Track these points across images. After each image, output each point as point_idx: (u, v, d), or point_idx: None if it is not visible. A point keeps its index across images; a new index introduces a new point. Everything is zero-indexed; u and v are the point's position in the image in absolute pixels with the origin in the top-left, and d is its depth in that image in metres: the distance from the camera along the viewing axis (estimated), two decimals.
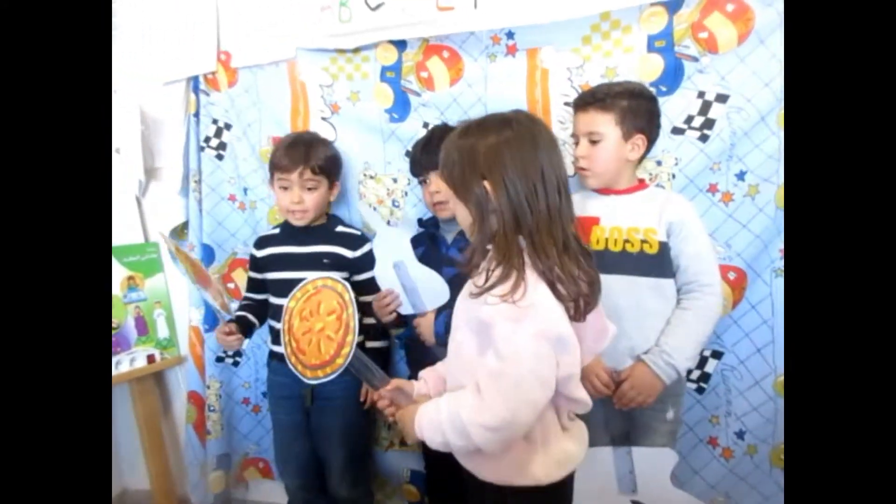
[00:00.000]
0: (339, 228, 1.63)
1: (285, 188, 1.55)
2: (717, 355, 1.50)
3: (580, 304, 0.95)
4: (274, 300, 1.62)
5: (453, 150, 0.99)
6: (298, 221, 1.58)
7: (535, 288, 0.90)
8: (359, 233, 1.64)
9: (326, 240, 1.59)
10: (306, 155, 1.53)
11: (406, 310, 1.38)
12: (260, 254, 1.65)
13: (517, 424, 0.89)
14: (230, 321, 1.55)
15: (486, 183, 0.93)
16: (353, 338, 1.04)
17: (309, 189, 1.54)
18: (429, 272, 1.31)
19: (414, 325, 1.40)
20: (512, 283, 0.89)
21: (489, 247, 0.95)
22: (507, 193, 0.92)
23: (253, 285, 1.68)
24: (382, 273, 1.37)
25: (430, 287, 1.32)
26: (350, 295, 1.09)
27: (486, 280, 0.92)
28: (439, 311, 1.35)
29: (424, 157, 1.47)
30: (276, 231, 1.68)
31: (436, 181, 1.43)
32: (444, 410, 0.94)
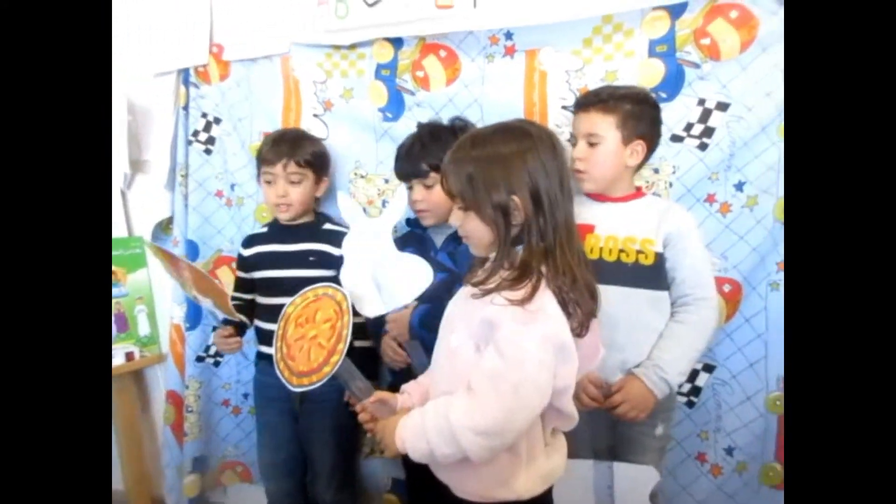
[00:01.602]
0: (327, 226, 1.60)
1: (270, 182, 1.54)
2: (708, 369, 1.47)
3: (584, 320, 0.93)
4: (261, 300, 1.60)
5: (467, 164, 0.93)
6: (284, 215, 1.56)
7: (543, 295, 0.88)
8: (347, 230, 1.60)
9: (313, 237, 1.56)
10: (291, 148, 1.53)
11: (377, 310, 1.28)
12: (247, 252, 1.63)
13: (510, 430, 0.86)
14: (227, 322, 1.51)
15: (514, 197, 0.90)
16: (344, 347, 1.02)
17: (293, 182, 1.53)
18: (410, 264, 1.23)
19: (388, 319, 1.35)
20: (525, 291, 0.86)
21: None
22: (534, 206, 0.89)
23: (241, 285, 1.65)
24: (354, 271, 1.31)
25: (407, 280, 1.22)
26: (349, 304, 1.07)
27: (497, 283, 0.89)
28: (415, 305, 1.31)
29: (408, 164, 1.41)
30: (265, 230, 1.66)
31: (418, 189, 1.39)
32: (430, 416, 0.90)
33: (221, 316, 1.49)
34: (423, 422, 0.90)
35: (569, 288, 0.90)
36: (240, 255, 1.66)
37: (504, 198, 0.90)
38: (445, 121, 1.48)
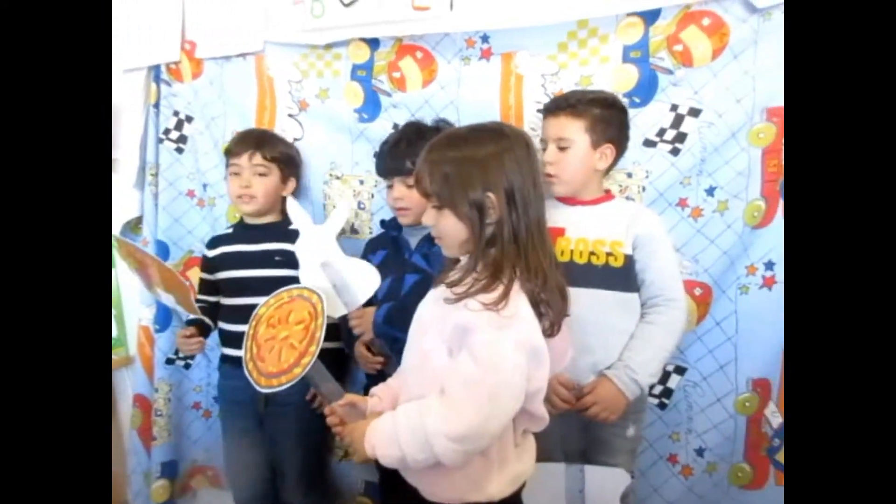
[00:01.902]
0: (294, 226, 1.58)
1: (236, 174, 1.54)
2: (680, 371, 1.49)
3: (556, 319, 0.94)
4: (225, 300, 1.58)
5: (442, 164, 0.94)
6: (247, 207, 1.55)
7: (517, 298, 0.89)
8: None
9: (279, 237, 1.55)
10: (258, 141, 1.54)
11: (340, 311, 1.33)
12: (212, 254, 1.61)
13: (485, 436, 0.87)
14: (191, 324, 1.49)
15: (490, 194, 0.90)
16: (317, 349, 1.02)
17: (258, 175, 1.53)
18: (358, 265, 1.31)
19: (352, 317, 1.35)
20: (498, 294, 0.87)
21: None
22: (508, 204, 0.90)
23: (205, 287, 1.62)
24: (308, 275, 1.36)
25: (360, 279, 1.30)
26: (323, 306, 1.06)
27: (470, 287, 0.89)
28: (380, 303, 1.32)
29: (391, 161, 1.41)
30: (230, 231, 1.65)
31: (399, 187, 1.39)
32: (402, 421, 0.90)
33: (185, 316, 1.47)
34: (395, 427, 0.90)
35: (540, 289, 0.91)
36: (204, 257, 1.64)
37: (480, 195, 0.91)
38: (429, 121, 1.48)
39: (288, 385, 1.02)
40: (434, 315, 0.98)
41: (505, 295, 0.87)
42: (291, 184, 1.62)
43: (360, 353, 1.41)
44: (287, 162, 1.59)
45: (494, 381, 0.85)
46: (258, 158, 1.52)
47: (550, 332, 0.94)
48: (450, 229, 0.95)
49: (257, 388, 1.06)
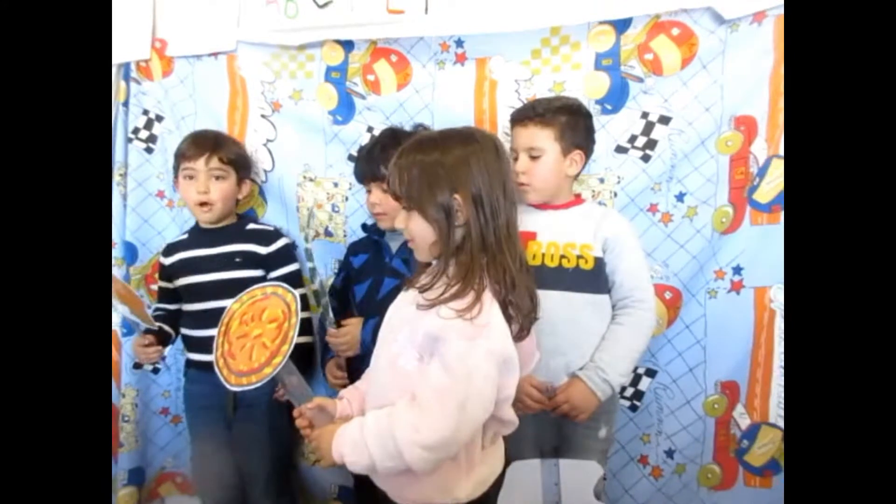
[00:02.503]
0: (251, 226, 1.58)
1: (191, 177, 1.49)
2: (651, 374, 1.51)
3: (525, 323, 0.94)
4: (188, 307, 1.55)
5: (411, 167, 0.94)
6: (205, 214, 1.52)
7: (490, 307, 0.89)
8: (272, 228, 1.60)
9: (237, 238, 1.53)
10: (214, 144, 1.50)
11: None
12: (168, 261, 1.58)
13: (455, 444, 0.87)
14: (148, 332, 1.46)
15: (457, 196, 0.91)
16: (289, 349, 1.00)
17: (217, 178, 1.50)
18: None
19: (335, 335, 1.34)
20: (470, 301, 0.87)
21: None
22: (475, 207, 0.91)
23: (164, 294, 1.60)
24: None
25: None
26: (297, 306, 1.05)
27: (442, 293, 0.89)
28: (366, 318, 1.31)
29: (367, 166, 1.41)
30: (185, 236, 1.61)
31: (376, 192, 1.39)
32: (371, 429, 0.89)
33: (143, 326, 1.44)
34: (363, 436, 0.89)
35: (508, 291, 0.91)
36: (161, 265, 1.61)
37: (446, 198, 0.91)
38: (408, 126, 1.48)
39: (259, 384, 1.01)
40: (404, 319, 0.98)
41: (477, 300, 0.87)
42: (247, 187, 1.60)
43: (331, 372, 1.41)
44: (243, 164, 1.57)
45: (465, 392, 0.85)
46: (215, 162, 1.49)
47: (520, 336, 0.94)
48: (419, 232, 0.96)
49: (227, 386, 1.04)
